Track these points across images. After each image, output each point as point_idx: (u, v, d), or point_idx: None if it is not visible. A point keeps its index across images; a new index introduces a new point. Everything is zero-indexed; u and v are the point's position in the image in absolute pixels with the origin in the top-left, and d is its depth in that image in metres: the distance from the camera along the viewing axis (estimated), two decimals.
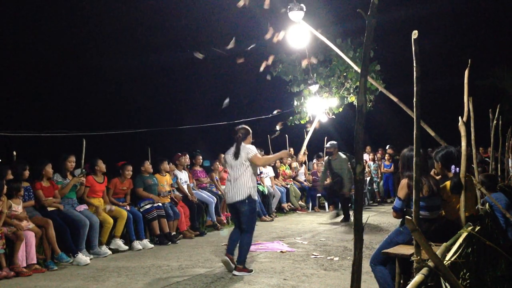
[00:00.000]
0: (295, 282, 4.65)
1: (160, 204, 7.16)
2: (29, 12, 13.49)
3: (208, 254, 6.12)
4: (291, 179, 11.63)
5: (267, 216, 9.55)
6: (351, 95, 12.54)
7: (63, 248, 5.63)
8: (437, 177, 4.16)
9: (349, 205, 9.65)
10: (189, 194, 8.13)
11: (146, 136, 11.22)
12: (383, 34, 13.72)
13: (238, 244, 5.19)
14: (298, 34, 5.85)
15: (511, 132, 7.74)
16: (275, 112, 8.30)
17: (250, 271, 5.02)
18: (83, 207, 6.32)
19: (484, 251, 3.84)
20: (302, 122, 12.95)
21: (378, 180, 13.15)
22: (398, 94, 4.67)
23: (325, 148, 10.20)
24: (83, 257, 5.64)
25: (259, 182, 9.91)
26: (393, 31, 13.97)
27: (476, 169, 4.97)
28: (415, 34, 2.49)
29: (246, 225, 5.09)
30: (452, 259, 2.66)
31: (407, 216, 2.35)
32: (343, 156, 9.34)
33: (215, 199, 8.54)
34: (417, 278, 2.13)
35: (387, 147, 13.20)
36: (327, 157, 9.63)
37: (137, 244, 6.57)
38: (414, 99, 2.53)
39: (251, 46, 5.37)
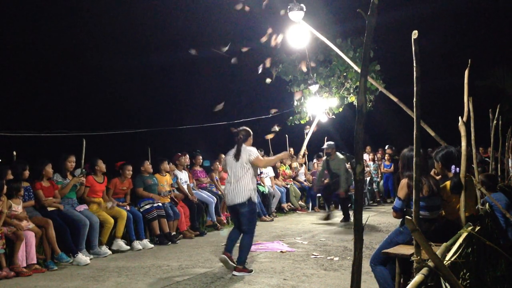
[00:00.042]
0: (295, 282, 4.65)
1: (160, 204, 7.16)
2: (29, 12, 13.50)
3: (208, 254, 6.12)
4: (291, 179, 11.63)
5: (267, 216, 9.55)
6: (351, 95, 12.54)
7: (63, 248, 5.63)
8: (437, 177, 4.16)
9: (349, 205, 9.64)
10: (189, 194, 8.13)
11: (146, 136, 11.23)
12: (383, 34, 13.72)
13: (236, 243, 5.20)
14: (298, 34, 5.85)
15: (511, 132, 7.74)
16: (272, 111, 8.30)
17: (250, 271, 5.02)
18: (83, 207, 6.32)
19: (484, 251, 3.84)
20: (302, 122, 12.95)
21: (378, 180, 13.15)
22: (398, 94, 4.68)
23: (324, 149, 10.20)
24: (83, 257, 5.64)
25: (259, 182, 9.91)
26: (393, 31, 13.96)
27: (476, 169, 4.97)
28: (415, 34, 2.49)
29: (246, 227, 5.09)
30: (452, 259, 2.66)
31: (407, 216, 2.35)
32: (341, 156, 9.34)
33: (215, 199, 8.54)
34: (417, 278, 2.13)
35: (386, 147, 13.20)
36: (325, 157, 9.63)
37: (137, 244, 6.57)
38: (414, 99, 2.53)
39: (245, 49, 5.37)
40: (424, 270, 2.21)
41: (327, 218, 9.08)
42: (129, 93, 15.02)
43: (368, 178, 12.70)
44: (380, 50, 12.64)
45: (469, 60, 4.09)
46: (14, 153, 6.59)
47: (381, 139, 14.96)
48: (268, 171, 10.52)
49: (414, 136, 2.47)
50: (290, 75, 12.19)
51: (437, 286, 2.26)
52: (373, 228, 8.11)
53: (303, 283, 4.60)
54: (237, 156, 5.20)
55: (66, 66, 14.17)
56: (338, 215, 9.48)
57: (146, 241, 6.70)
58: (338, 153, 9.39)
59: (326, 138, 11.77)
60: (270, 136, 6.93)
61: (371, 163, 13.22)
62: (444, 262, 2.47)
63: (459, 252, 2.82)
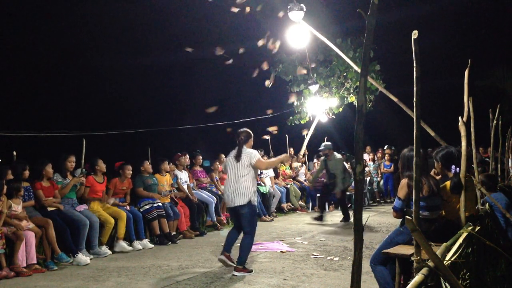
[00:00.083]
0: (295, 282, 4.65)
1: (160, 204, 7.16)
2: (29, 12, 13.49)
3: (208, 254, 6.12)
4: (291, 179, 11.63)
5: (267, 216, 9.55)
6: (351, 95, 12.55)
7: (63, 248, 5.62)
8: (437, 177, 4.16)
9: (349, 205, 9.63)
10: (189, 194, 8.13)
11: (146, 136, 11.23)
12: (383, 34, 13.73)
13: (235, 243, 5.21)
14: (298, 34, 5.85)
15: (511, 132, 7.74)
16: (268, 112, 8.32)
17: (250, 271, 5.03)
18: (83, 207, 6.32)
19: (484, 251, 3.84)
20: (302, 122, 12.92)
21: (378, 180, 13.15)
22: (398, 94, 4.68)
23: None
24: (83, 257, 5.64)
25: (259, 182, 9.91)
26: (393, 31, 13.96)
27: (476, 169, 4.97)
28: (415, 34, 2.49)
29: (247, 228, 5.09)
30: (452, 259, 2.67)
31: (407, 216, 2.35)
32: (339, 156, 9.34)
33: (215, 199, 8.54)
34: (417, 278, 2.13)
35: (385, 147, 13.19)
36: (323, 157, 9.61)
37: (137, 244, 6.56)
38: (414, 99, 2.53)
39: (241, 50, 5.38)
40: (424, 270, 2.21)
41: (319, 218, 9.02)
42: (129, 93, 15.02)
43: (368, 178, 12.70)
44: (380, 50, 12.65)
45: (469, 60, 4.09)
46: (14, 153, 6.59)
47: (381, 139, 14.96)
48: (268, 171, 10.51)
49: (414, 136, 2.47)
50: (290, 75, 12.19)
51: (437, 286, 2.26)
52: (373, 228, 8.11)
53: (303, 283, 4.60)
54: (237, 157, 5.21)
55: (66, 66, 14.16)
56: (337, 216, 9.48)
57: (146, 241, 6.69)
58: (336, 154, 9.38)
59: (326, 138, 11.77)
60: (266, 137, 6.95)
61: (371, 163, 13.22)
62: (444, 262, 2.47)
63: (459, 252, 2.82)
